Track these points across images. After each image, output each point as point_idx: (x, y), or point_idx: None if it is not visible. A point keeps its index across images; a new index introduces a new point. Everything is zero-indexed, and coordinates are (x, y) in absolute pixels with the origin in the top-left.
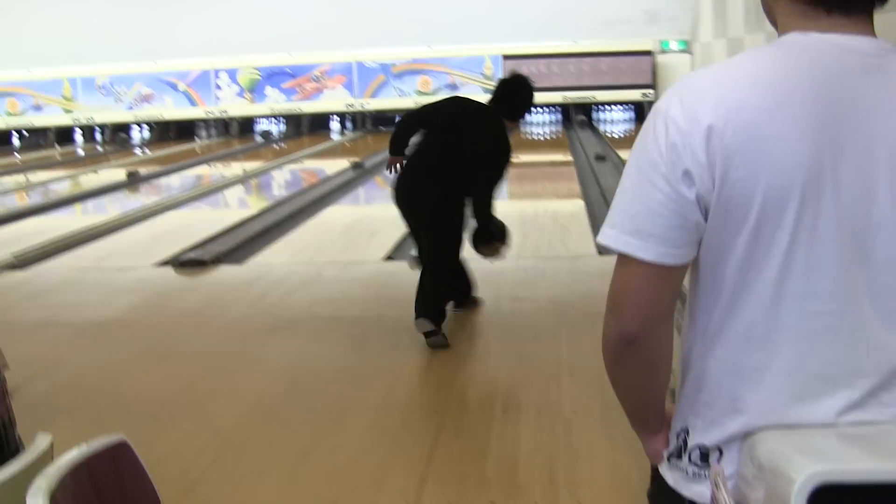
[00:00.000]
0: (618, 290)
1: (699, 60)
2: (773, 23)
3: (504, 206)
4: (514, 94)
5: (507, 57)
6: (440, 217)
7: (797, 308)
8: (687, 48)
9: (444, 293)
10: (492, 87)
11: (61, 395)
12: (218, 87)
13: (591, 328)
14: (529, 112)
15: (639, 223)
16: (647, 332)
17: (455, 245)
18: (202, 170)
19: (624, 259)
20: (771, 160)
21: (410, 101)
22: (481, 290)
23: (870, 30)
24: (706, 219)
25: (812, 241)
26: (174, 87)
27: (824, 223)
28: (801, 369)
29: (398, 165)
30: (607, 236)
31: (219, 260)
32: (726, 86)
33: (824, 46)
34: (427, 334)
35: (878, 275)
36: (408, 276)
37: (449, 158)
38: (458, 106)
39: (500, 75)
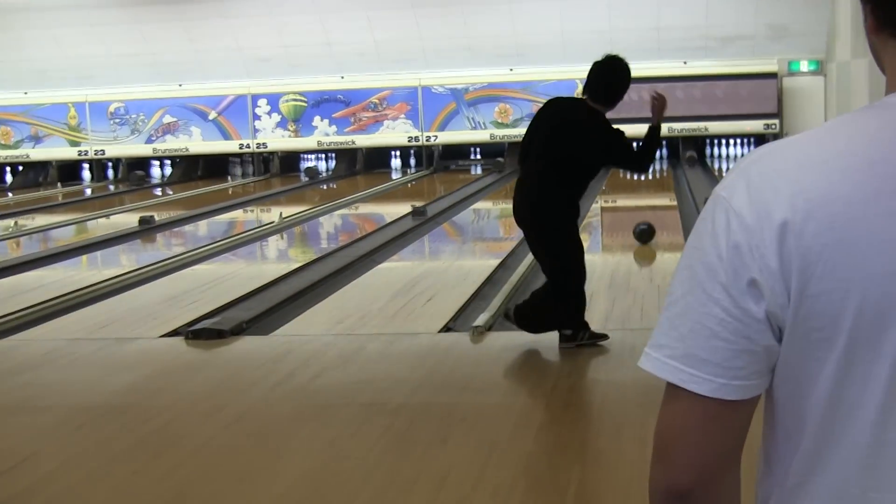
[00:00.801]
0: (666, 430)
1: (835, 84)
2: (883, 72)
3: (592, 261)
4: (605, 76)
5: None
6: (534, 227)
7: None
8: (820, 69)
9: (573, 301)
10: None
11: (33, 499)
12: (256, 116)
13: None
14: (622, 95)
15: (692, 346)
16: (703, 486)
17: (560, 248)
18: (234, 215)
19: (673, 391)
20: (865, 268)
21: (486, 135)
22: (555, 369)
23: None
24: (780, 342)
25: None
26: (203, 115)
27: None
28: None
29: None
30: (651, 361)
31: (241, 330)
32: (808, 167)
33: None
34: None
35: None
36: (466, 351)
37: (534, 165)
38: (546, 108)
39: None
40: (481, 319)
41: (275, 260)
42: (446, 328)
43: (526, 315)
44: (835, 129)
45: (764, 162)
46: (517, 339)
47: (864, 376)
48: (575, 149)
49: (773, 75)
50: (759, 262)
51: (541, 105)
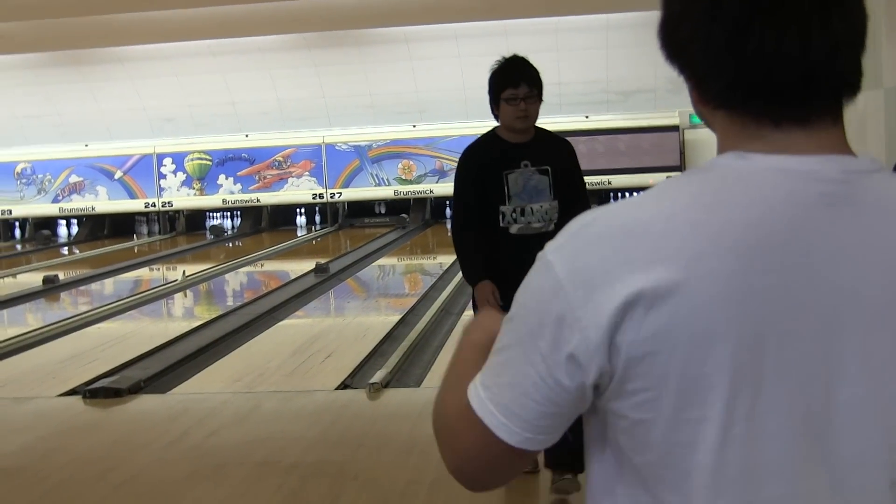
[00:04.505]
0: (464, 450)
1: None
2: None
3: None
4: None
5: None
6: None
7: None
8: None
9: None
10: None
11: None
12: (162, 174)
13: None
14: (495, 98)
15: (508, 398)
16: (478, 488)
17: None
18: (140, 273)
19: (483, 427)
20: (684, 333)
21: (389, 191)
22: None
23: (836, 142)
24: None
25: (751, 438)
26: (109, 175)
27: (767, 412)
28: None
29: None
30: (478, 399)
31: (138, 388)
32: (630, 233)
33: (769, 175)
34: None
35: (846, 476)
36: (363, 408)
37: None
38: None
39: None
40: (378, 376)
41: (177, 318)
42: (343, 385)
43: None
44: (660, 193)
45: (591, 229)
46: (414, 396)
47: (690, 443)
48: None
49: (674, 128)
50: (580, 336)
51: (441, 164)
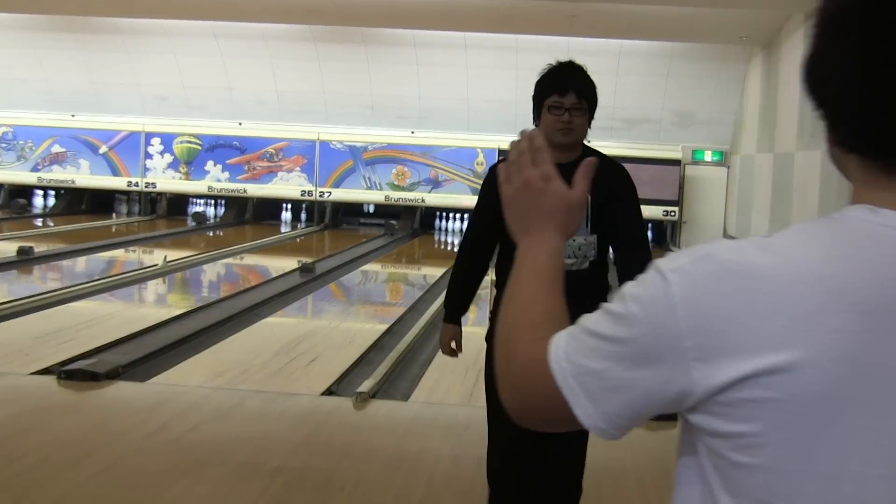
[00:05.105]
0: (528, 399)
1: (738, 176)
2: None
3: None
4: None
5: (503, 152)
6: None
7: None
8: (723, 160)
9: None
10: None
11: None
12: (148, 154)
13: None
14: (537, 106)
15: (595, 386)
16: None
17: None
18: (116, 254)
19: (560, 396)
20: (799, 387)
21: (380, 196)
22: (438, 442)
23: None
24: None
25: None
26: (94, 148)
27: (877, 477)
28: None
29: None
30: (560, 369)
31: (116, 374)
32: (754, 279)
33: None
34: None
35: None
36: (348, 417)
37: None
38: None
39: None
40: (365, 385)
41: (155, 304)
42: (329, 391)
43: None
44: (788, 240)
45: (716, 263)
46: (401, 410)
47: None
48: None
49: (676, 162)
50: (685, 380)
51: (436, 173)
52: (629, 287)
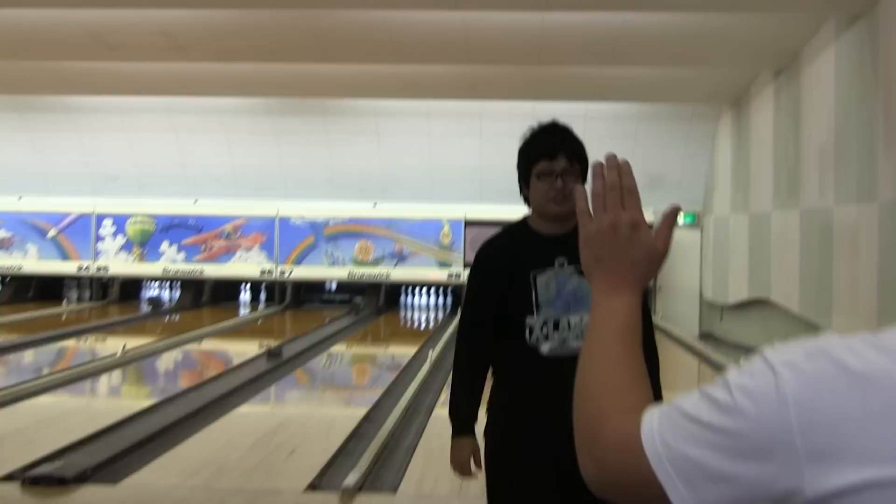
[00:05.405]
0: (616, 476)
1: (712, 238)
2: None
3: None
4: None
5: (469, 223)
6: None
7: None
8: (696, 222)
9: None
10: (448, 259)
11: None
12: (99, 237)
13: None
14: (525, 174)
15: (693, 473)
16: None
17: None
18: (68, 344)
19: (653, 478)
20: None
21: (344, 272)
22: None
23: None
24: None
25: None
26: (42, 233)
27: None
28: None
29: None
30: (654, 450)
31: (85, 477)
32: (870, 384)
33: None
34: None
35: None
36: None
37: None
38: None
39: (461, 244)
40: (351, 479)
41: (118, 398)
42: (311, 486)
43: None
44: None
45: (829, 361)
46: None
47: None
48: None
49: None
50: (792, 486)
51: (401, 246)
52: (734, 376)
